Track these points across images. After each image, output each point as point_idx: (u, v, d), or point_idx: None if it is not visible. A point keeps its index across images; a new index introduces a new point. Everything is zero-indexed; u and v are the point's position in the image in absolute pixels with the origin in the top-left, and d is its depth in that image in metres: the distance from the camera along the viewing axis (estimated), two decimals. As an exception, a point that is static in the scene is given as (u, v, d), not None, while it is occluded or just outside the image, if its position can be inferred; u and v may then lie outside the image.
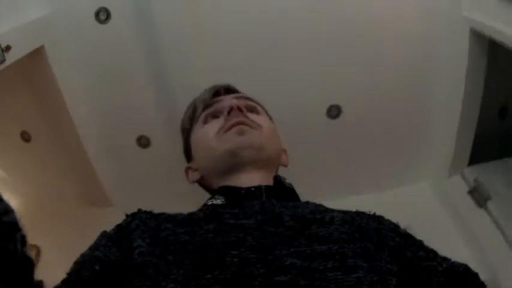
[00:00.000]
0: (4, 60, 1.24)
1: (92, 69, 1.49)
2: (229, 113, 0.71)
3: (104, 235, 0.56)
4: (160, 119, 1.54)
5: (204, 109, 0.78)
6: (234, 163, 0.68)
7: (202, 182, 0.78)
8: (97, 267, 0.48)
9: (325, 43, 1.43)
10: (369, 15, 1.42)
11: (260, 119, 0.74)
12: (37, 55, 1.37)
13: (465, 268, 0.55)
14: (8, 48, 1.25)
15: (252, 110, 0.77)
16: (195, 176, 0.77)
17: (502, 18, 1.17)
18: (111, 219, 0.64)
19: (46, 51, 1.37)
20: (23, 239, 0.37)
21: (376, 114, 1.56)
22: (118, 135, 1.61)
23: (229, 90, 0.83)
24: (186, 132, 0.81)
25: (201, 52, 1.43)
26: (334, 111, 1.55)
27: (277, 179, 0.72)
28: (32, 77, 1.44)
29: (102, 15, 1.41)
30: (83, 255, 0.51)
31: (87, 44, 1.46)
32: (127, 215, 0.61)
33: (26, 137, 1.63)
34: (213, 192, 0.70)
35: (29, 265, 0.38)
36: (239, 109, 0.72)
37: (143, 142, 1.56)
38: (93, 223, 1.16)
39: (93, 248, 0.53)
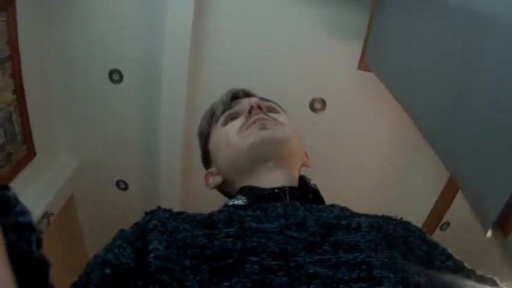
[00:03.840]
0: (49, 223, 1.81)
1: (108, 213, 2.05)
2: (250, 111, 0.71)
3: (120, 234, 0.53)
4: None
5: (223, 112, 0.76)
6: (258, 157, 0.66)
7: (223, 188, 0.75)
8: (107, 271, 0.45)
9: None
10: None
11: (281, 117, 0.73)
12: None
13: (494, 281, 0.53)
14: (51, 214, 1.82)
15: (272, 110, 0.76)
16: (217, 179, 0.74)
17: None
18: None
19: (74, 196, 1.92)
20: (39, 241, 0.37)
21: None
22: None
23: (247, 93, 0.82)
24: (205, 138, 0.79)
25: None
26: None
27: (302, 180, 0.69)
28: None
29: (122, 184, 1.97)
30: (95, 257, 0.49)
31: (106, 200, 2.02)
32: (146, 213, 0.57)
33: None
34: (234, 194, 0.67)
35: (45, 267, 0.37)
36: (259, 107, 0.71)
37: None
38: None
39: (107, 249, 0.50)
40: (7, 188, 0.37)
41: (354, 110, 1.74)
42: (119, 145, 1.89)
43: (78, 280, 0.46)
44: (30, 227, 0.37)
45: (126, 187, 1.98)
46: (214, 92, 0.81)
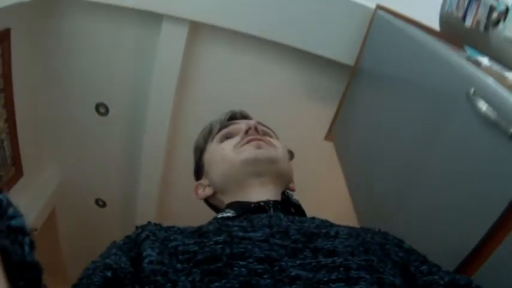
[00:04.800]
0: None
1: (86, 231, 2.22)
2: (246, 132, 0.75)
3: (114, 245, 0.55)
4: None
5: (220, 130, 0.81)
6: (250, 172, 0.70)
7: (211, 199, 0.80)
8: (108, 274, 0.47)
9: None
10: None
11: (275, 142, 0.78)
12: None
13: (467, 282, 0.54)
14: (35, 230, 1.98)
15: (267, 134, 0.81)
16: (208, 191, 0.78)
17: None
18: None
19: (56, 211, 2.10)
20: (32, 244, 0.36)
21: None
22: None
23: (244, 116, 0.87)
24: (200, 151, 0.84)
25: None
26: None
27: (285, 195, 0.74)
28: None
29: (100, 202, 2.13)
30: (94, 262, 0.50)
31: (85, 215, 2.18)
32: (137, 227, 0.59)
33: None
34: (221, 209, 0.72)
35: (38, 270, 0.36)
36: (256, 130, 0.76)
37: None
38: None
39: (104, 256, 0.52)
40: None
41: (320, 168, 1.92)
42: (102, 167, 2.04)
43: (78, 282, 0.47)
44: (23, 230, 0.36)
45: (104, 205, 2.15)
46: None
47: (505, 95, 0.63)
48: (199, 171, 0.84)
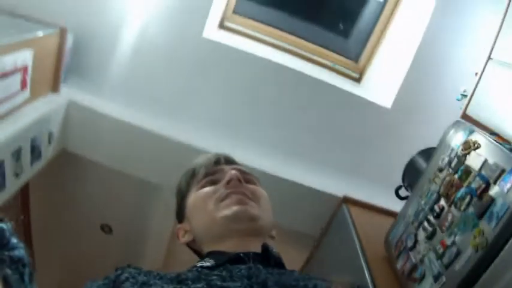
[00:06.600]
0: None
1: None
2: (228, 182, 0.74)
3: (92, 284, 0.56)
4: None
5: (205, 176, 0.80)
6: (230, 229, 0.70)
7: (192, 245, 0.79)
8: None
9: None
10: None
11: (257, 191, 0.77)
12: None
13: None
14: None
15: (249, 181, 0.80)
16: (188, 237, 0.77)
17: None
18: None
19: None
20: (31, 275, 0.37)
21: None
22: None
23: (228, 160, 0.85)
24: (182, 195, 0.82)
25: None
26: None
27: (265, 247, 0.73)
28: None
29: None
30: None
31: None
32: (116, 269, 0.59)
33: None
34: (202, 256, 0.72)
35: None
36: (238, 180, 0.75)
37: None
38: None
39: None
40: (1, 219, 0.37)
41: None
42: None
43: None
44: (23, 261, 0.37)
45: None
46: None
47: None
48: (180, 214, 0.83)
